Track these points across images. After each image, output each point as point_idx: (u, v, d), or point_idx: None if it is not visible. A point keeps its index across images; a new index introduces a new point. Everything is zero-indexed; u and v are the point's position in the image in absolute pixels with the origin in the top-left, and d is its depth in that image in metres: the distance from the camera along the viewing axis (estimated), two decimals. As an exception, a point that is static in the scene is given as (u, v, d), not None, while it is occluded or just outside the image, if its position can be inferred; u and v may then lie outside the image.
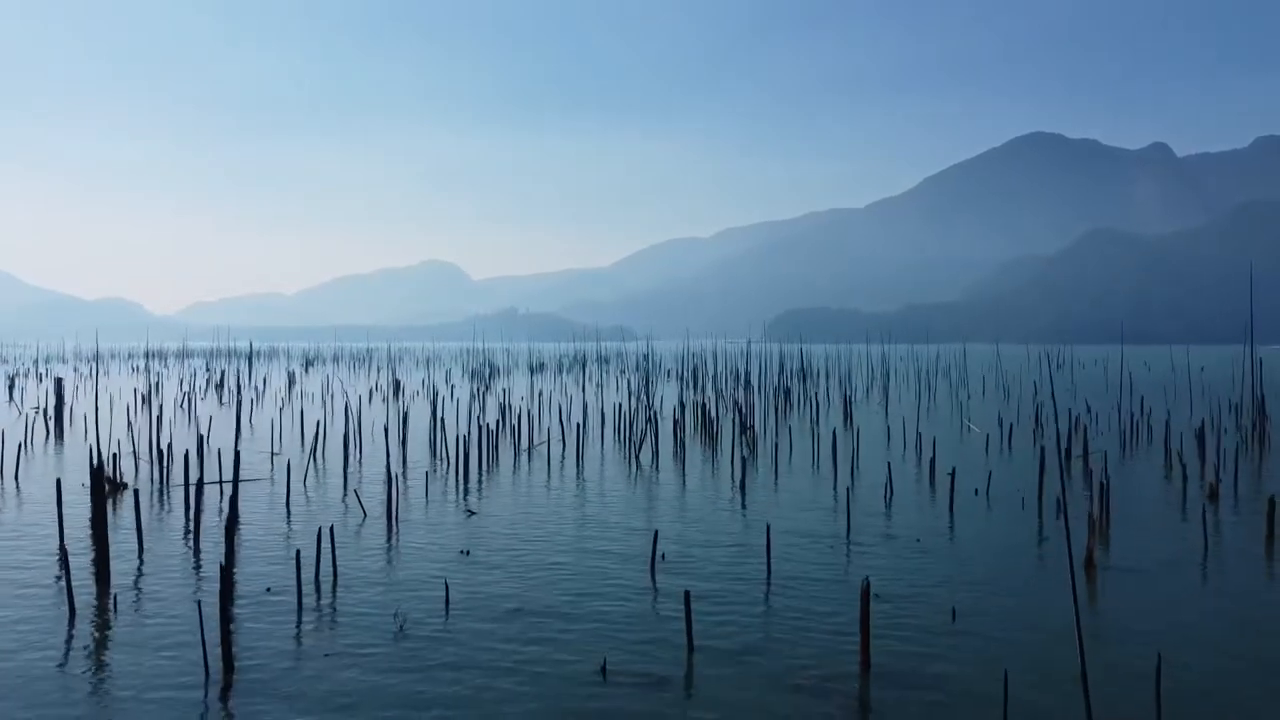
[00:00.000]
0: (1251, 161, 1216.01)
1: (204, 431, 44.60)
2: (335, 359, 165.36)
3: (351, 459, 36.05)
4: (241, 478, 30.61)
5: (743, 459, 31.81)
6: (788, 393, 59.93)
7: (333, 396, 70.42)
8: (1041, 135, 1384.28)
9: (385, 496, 24.90)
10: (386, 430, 36.55)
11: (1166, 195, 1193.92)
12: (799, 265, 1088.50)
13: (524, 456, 37.65)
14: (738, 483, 30.72)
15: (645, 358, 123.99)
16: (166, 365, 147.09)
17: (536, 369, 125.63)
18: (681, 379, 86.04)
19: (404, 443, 40.87)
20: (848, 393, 61.98)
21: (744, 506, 27.26)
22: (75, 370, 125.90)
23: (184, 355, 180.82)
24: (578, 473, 33.62)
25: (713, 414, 46.68)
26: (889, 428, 47.65)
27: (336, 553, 19.54)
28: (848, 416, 54.73)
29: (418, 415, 54.87)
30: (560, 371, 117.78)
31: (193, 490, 27.20)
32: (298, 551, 17.59)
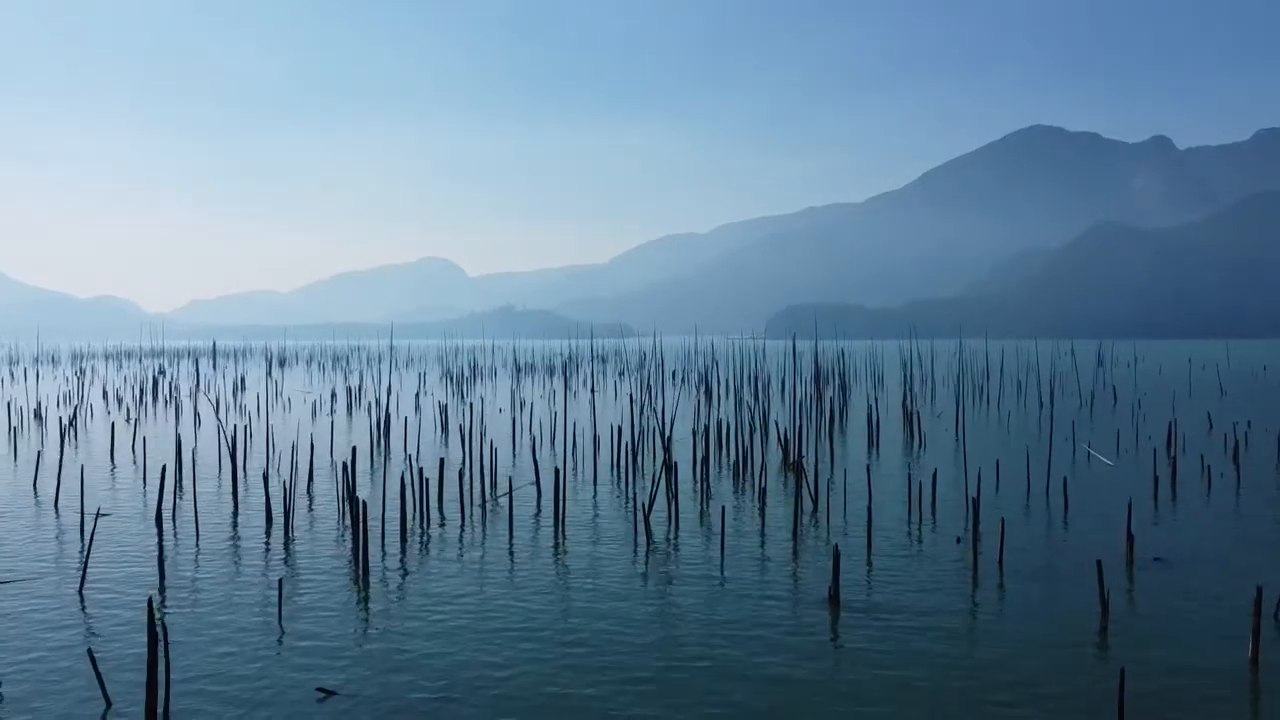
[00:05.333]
0: (1253, 154, 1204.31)
1: (58, 470, 31.94)
2: (310, 359, 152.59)
3: (205, 528, 23.38)
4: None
5: (834, 551, 19.06)
6: (831, 405, 47.12)
7: (267, 411, 58.00)
8: (1041, 128, 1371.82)
9: (148, 663, 12.13)
10: (266, 480, 24.01)
11: (1168, 188, 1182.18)
12: (799, 261, 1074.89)
13: (477, 517, 25.01)
14: (823, 598, 17.89)
15: (651, 358, 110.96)
16: (122, 366, 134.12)
17: (525, 370, 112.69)
18: (699, 386, 73.37)
19: (309, 496, 28.20)
20: (908, 404, 49.22)
21: (842, 663, 14.54)
22: (10, 372, 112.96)
23: (151, 355, 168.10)
24: (554, 557, 20.89)
25: (745, 439, 34.04)
26: (998, 461, 34.82)
27: None
28: (915, 438, 41.99)
29: (354, 442, 42.30)
30: (551, 375, 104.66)
31: None
32: None
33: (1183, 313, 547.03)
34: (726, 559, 20.69)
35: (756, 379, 66.19)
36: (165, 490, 25.37)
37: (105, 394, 69.69)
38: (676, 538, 22.96)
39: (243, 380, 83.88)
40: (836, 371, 65.54)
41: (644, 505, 23.33)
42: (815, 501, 26.22)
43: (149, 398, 69.45)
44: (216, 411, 40.74)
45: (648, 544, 22.20)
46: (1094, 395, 61.60)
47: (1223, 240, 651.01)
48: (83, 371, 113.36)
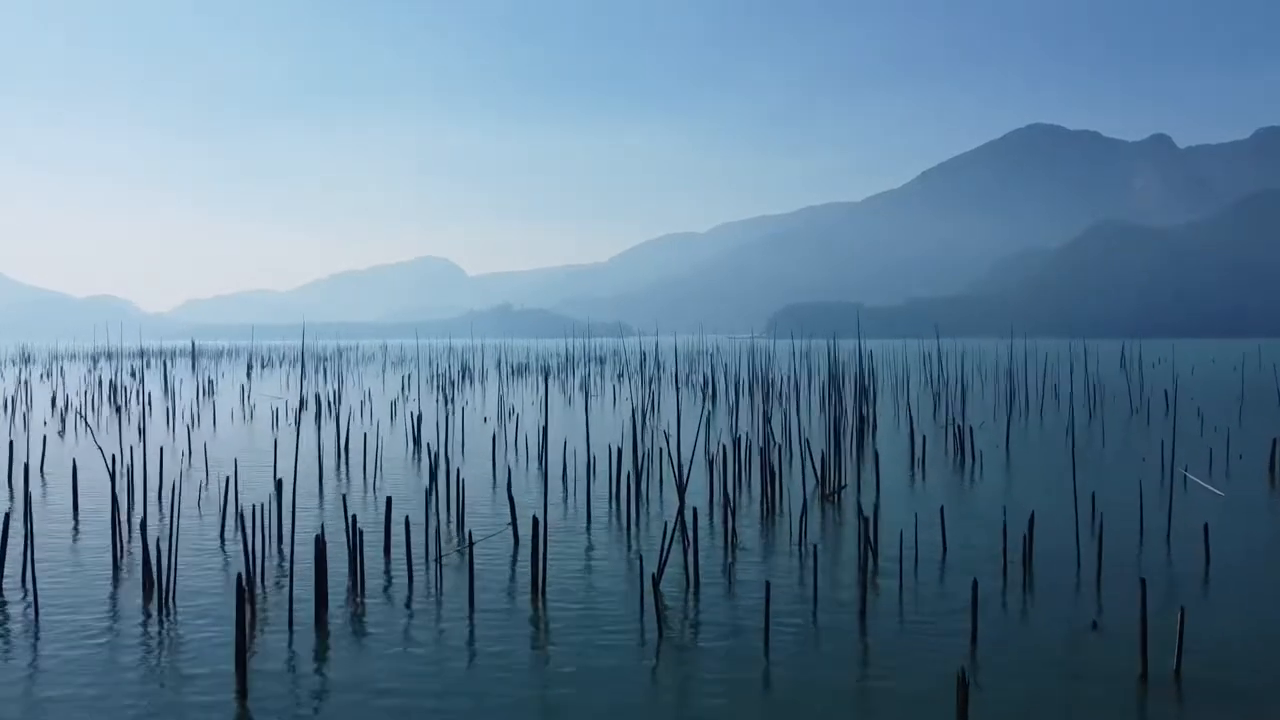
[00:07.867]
0: (1253, 153, 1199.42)
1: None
2: (296, 360, 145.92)
3: (66, 602, 17.12)
4: None
5: (960, 678, 12.85)
6: (863, 419, 40.93)
7: (211, 428, 51.96)
8: (1040, 127, 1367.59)
9: None
10: (145, 530, 18.00)
11: (1168, 187, 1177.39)
12: (798, 260, 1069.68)
13: (431, 581, 18.77)
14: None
15: (651, 360, 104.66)
16: (95, 367, 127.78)
17: (518, 373, 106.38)
18: (703, 390, 66.99)
19: (221, 541, 21.95)
20: (948, 415, 42.93)
21: None
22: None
23: (131, 356, 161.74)
24: (531, 644, 14.59)
25: (774, 462, 27.81)
26: (1094, 494, 28.53)
27: None
28: (967, 460, 35.70)
29: (306, 463, 36.08)
30: (545, 378, 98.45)
31: None
32: None
33: (1183, 312, 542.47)
34: (772, 658, 14.43)
35: (770, 385, 60.02)
36: (10, 544, 19.06)
37: (54, 400, 63.38)
38: (697, 616, 16.68)
39: (211, 385, 77.54)
40: (866, 378, 59.32)
41: (653, 575, 17.05)
42: (876, 558, 19.93)
43: (106, 405, 63.23)
44: (167, 424, 34.55)
45: (659, 628, 15.91)
46: (1148, 402, 55.30)
47: (1223, 240, 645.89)
48: (47, 373, 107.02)
